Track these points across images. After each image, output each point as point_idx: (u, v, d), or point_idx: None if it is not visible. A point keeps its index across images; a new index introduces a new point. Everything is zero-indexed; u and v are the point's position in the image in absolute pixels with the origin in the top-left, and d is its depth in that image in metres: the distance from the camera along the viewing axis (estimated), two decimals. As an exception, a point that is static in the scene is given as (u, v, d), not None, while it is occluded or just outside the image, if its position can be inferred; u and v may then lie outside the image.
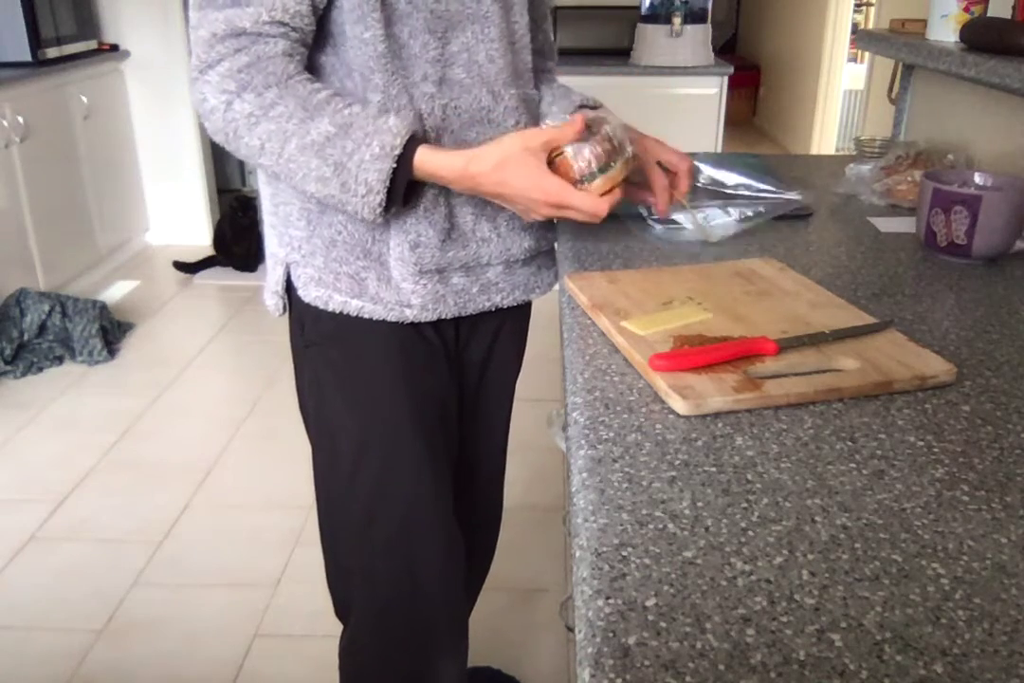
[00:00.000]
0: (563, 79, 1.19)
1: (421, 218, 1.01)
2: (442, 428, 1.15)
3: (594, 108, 1.15)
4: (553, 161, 0.96)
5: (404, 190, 0.94)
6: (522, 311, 1.23)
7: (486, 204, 1.05)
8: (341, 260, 1.03)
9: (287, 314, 1.15)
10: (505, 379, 1.28)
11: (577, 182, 0.96)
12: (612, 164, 0.97)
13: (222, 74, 0.90)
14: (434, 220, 1.01)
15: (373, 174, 0.90)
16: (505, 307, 1.14)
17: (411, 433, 1.11)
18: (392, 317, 1.04)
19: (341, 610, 1.28)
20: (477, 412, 1.27)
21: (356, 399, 1.10)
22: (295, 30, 0.92)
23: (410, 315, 1.05)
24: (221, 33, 0.90)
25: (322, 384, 1.13)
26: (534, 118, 1.11)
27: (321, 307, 1.05)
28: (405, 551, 1.15)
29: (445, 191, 1.02)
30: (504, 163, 0.92)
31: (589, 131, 0.97)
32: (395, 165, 0.90)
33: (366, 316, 1.04)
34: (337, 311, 1.05)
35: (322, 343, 1.10)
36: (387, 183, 0.91)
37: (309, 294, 1.06)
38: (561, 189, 0.93)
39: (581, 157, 0.95)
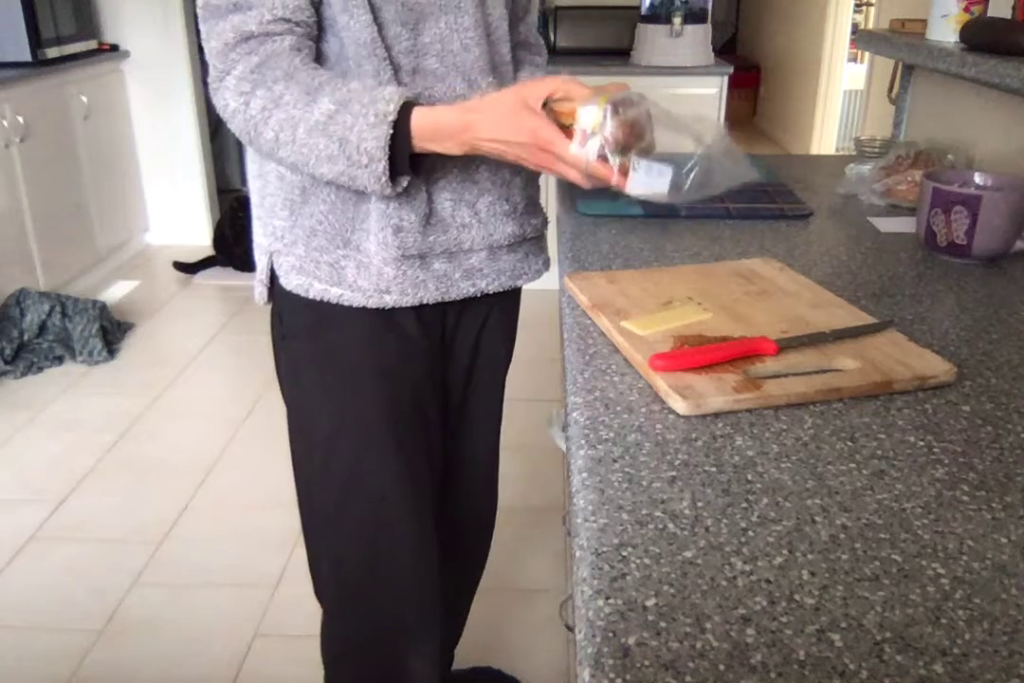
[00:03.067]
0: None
1: (403, 203, 1.03)
2: (418, 423, 1.16)
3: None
4: (566, 129, 0.92)
5: (409, 157, 0.95)
6: (511, 298, 1.24)
7: (464, 190, 1.06)
8: (321, 249, 1.05)
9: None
10: (494, 369, 1.28)
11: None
12: (624, 153, 0.93)
13: (237, 77, 0.94)
14: (415, 205, 1.03)
15: (371, 142, 0.91)
16: (492, 293, 1.15)
17: (381, 428, 1.12)
18: (371, 304, 1.06)
19: (319, 593, 1.30)
20: (466, 404, 1.27)
21: (329, 391, 1.13)
22: (299, 25, 0.96)
23: (389, 301, 1.06)
24: (232, 41, 0.94)
25: (298, 375, 1.15)
26: None
27: (302, 295, 1.07)
28: (372, 543, 1.18)
29: (424, 177, 1.03)
30: (496, 108, 0.92)
31: (614, 110, 0.91)
32: (391, 131, 0.91)
33: (345, 303, 1.06)
34: (317, 298, 1.07)
35: (298, 335, 1.12)
36: (387, 150, 0.92)
37: (290, 282, 1.08)
38: (554, 135, 0.91)
39: (595, 140, 0.90)
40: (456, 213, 1.07)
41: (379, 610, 1.23)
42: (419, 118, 0.93)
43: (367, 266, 1.05)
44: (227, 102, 0.95)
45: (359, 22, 0.96)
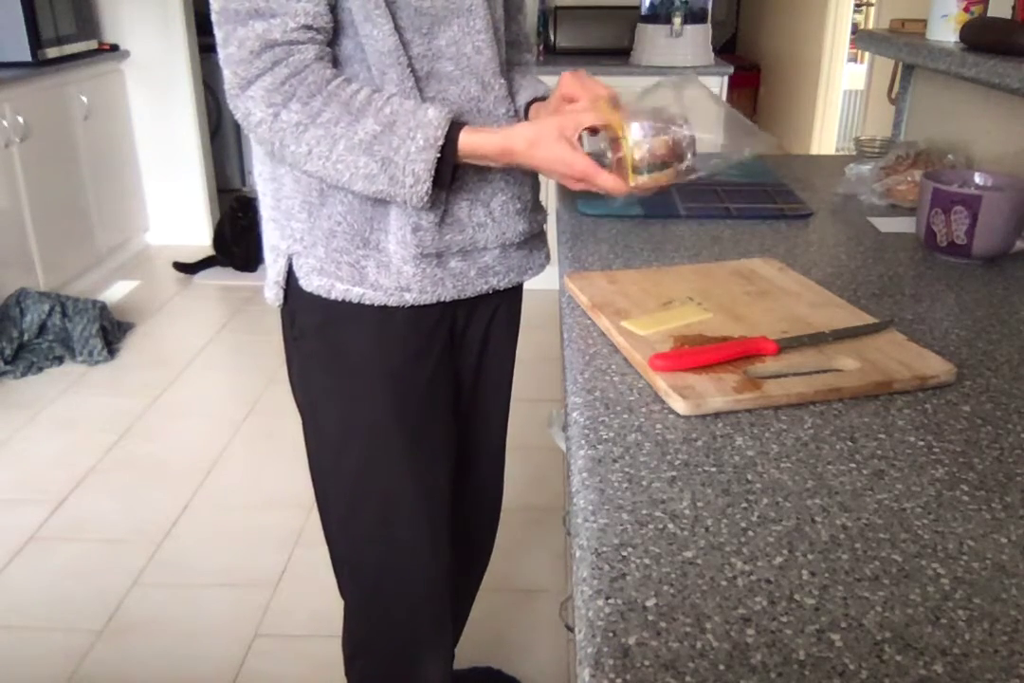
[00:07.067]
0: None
1: None
2: (431, 423, 1.17)
3: (544, 98, 1.15)
4: (615, 140, 0.97)
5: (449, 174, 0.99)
6: (515, 292, 1.26)
7: (479, 190, 1.08)
8: (341, 250, 1.06)
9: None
10: (503, 361, 1.29)
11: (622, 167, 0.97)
12: (663, 168, 0.98)
13: (266, 88, 0.94)
14: (434, 205, 1.04)
15: (420, 165, 0.95)
16: (501, 289, 1.17)
17: (392, 429, 1.13)
18: (392, 302, 1.07)
19: (342, 592, 1.31)
20: (476, 396, 1.28)
21: (340, 393, 1.13)
22: (320, 31, 0.96)
23: (410, 298, 1.07)
24: (257, 49, 0.93)
25: (309, 377, 1.16)
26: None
27: (323, 295, 1.08)
28: (385, 544, 1.20)
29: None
30: (536, 142, 0.97)
31: (661, 125, 0.97)
32: (439, 154, 0.96)
33: (367, 302, 1.07)
34: (339, 299, 1.08)
35: (310, 337, 1.13)
36: (432, 171, 0.96)
37: (311, 283, 1.08)
38: (587, 167, 0.96)
39: (639, 149, 0.96)
40: (472, 213, 1.08)
41: (394, 613, 1.24)
42: (464, 141, 0.97)
43: (387, 265, 1.06)
44: (250, 111, 0.95)
45: (382, 31, 0.97)
